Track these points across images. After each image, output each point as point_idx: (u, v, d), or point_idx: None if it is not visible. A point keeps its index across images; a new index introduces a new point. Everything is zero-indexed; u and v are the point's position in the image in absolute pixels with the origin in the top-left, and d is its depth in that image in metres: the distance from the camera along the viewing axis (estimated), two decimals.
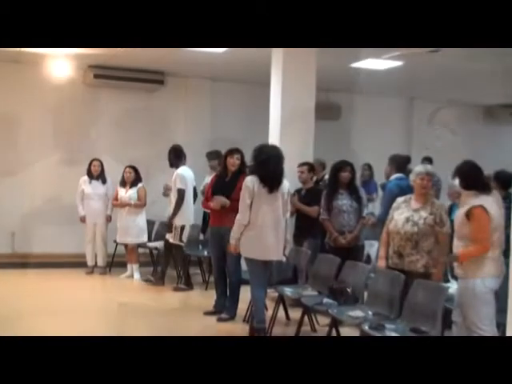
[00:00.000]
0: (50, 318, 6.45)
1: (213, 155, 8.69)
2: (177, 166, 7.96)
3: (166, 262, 8.32)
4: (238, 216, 5.57)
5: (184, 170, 7.96)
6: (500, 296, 4.60)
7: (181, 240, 7.90)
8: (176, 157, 7.99)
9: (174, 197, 7.88)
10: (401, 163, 6.71)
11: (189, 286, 8.05)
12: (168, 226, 7.94)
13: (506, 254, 4.52)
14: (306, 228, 6.94)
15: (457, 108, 11.84)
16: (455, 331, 4.78)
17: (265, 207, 5.47)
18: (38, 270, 8.91)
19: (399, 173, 6.63)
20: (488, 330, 4.55)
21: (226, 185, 6.40)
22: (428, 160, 9.14)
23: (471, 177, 4.71)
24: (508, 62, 6.88)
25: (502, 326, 4.88)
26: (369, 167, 9.81)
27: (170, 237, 7.95)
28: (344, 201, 6.52)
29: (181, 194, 7.79)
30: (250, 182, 5.48)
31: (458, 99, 11.54)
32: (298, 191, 7.13)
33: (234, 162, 6.38)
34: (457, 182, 5.89)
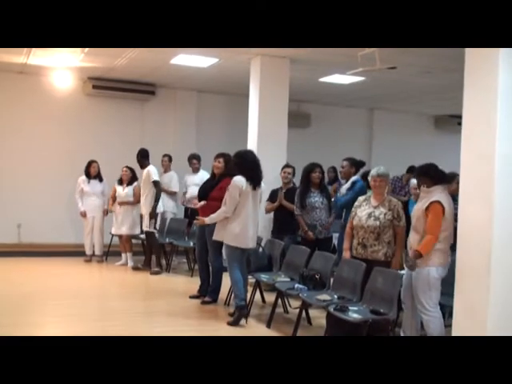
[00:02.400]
0: (53, 299, 6.39)
1: (189, 157, 8.95)
2: (145, 166, 8.13)
3: (149, 249, 8.29)
4: (225, 208, 5.54)
5: (153, 167, 8.13)
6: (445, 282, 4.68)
7: (154, 227, 8.09)
8: (143, 157, 8.18)
9: (145, 192, 8.03)
10: (359, 166, 6.77)
11: (161, 268, 8.12)
12: (150, 216, 8.00)
13: (453, 247, 4.57)
14: (286, 224, 6.91)
15: (411, 117, 11.93)
16: (405, 310, 4.83)
17: (249, 203, 5.53)
18: (41, 258, 8.81)
19: (356, 175, 6.68)
20: (433, 311, 4.60)
21: (210, 185, 6.35)
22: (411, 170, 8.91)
23: (437, 174, 4.70)
24: (454, 78, 6.94)
25: (447, 307, 4.96)
26: (333, 170, 9.85)
27: (145, 226, 8.08)
28: (316, 198, 6.55)
29: (158, 184, 8.01)
30: (240, 181, 5.49)
31: (411, 110, 11.63)
32: (274, 192, 7.13)
33: (216, 165, 6.32)
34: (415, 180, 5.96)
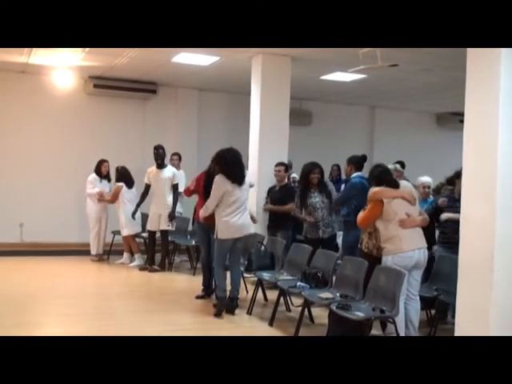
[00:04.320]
0: (54, 298, 6.40)
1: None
2: (164, 164, 8.12)
3: (153, 248, 8.28)
4: (208, 205, 5.76)
5: (174, 169, 8.18)
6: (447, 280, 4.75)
7: (173, 226, 8.12)
8: (165, 155, 8.18)
9: (165, 192, 8.01)
10: (359, 162, 6.64)
11: (163, 268, 8.13)
12: (170, 217, 8.02)
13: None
14: (279, 221, 7.00)
15: (412, 115, 11.92)
16: None
17: (237, 198, 5.69)
18: (43, 257, 8.81)
19: (359, 171, 6.57)
20: None
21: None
22: (400, 163, 8.93)
23: (380, 177, 4.99)
24: (454, 76, 6.94)
25: (450, 305, 4.97)
26: (337, 167, 9.82)
27: (164, 225, 8.03)
28: (317, 199, 6.54)
29: (177, 188, 8.08)
30: (220, 179, 5.69)
31: (413, 107, 11.62)
32: (271, 189, 7.15)
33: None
34: (425, 178, 6.16)
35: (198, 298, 6.49)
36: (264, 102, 7.46)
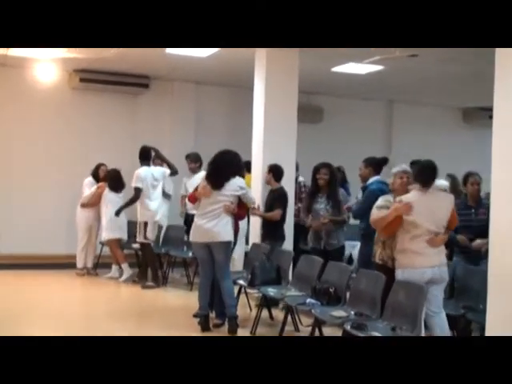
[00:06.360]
0: (33, 318, 6.37)
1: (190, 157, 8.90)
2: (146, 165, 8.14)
3: (143, 261, 8.32)
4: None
5: (144, 170, 8.07)
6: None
7: (145, 237, 8.02)
8: (144, 157, 8.15)
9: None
10: (378, 165, 6.55)
11: (157, 283, 8.07)
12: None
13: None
14: (266, 229, 6.93)
15: (435, 111, 11.87)
16: None
17: (209, 201, 5.88)
18: (21, 270, 8.79)
19: (377, 175, 6.47)
20: None
21: None
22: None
23: (423, 174, 4.91)
24: (480, 65, 6.89)
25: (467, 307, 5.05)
26: (339, 170, 9.41)
27: (141, 237, 8.06)
28: (322, 205, 6.46)
29: (136, 192, 7.98)
30: (202, 180, 6.14)
31: (436, 102, 11.58)
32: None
33: None
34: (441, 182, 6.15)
35: (195, 316, 6.43)
36: (269, 97, 7.44)
